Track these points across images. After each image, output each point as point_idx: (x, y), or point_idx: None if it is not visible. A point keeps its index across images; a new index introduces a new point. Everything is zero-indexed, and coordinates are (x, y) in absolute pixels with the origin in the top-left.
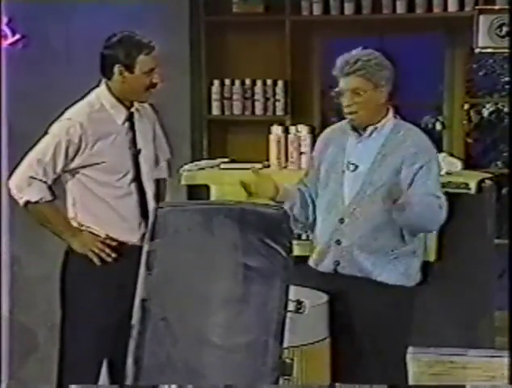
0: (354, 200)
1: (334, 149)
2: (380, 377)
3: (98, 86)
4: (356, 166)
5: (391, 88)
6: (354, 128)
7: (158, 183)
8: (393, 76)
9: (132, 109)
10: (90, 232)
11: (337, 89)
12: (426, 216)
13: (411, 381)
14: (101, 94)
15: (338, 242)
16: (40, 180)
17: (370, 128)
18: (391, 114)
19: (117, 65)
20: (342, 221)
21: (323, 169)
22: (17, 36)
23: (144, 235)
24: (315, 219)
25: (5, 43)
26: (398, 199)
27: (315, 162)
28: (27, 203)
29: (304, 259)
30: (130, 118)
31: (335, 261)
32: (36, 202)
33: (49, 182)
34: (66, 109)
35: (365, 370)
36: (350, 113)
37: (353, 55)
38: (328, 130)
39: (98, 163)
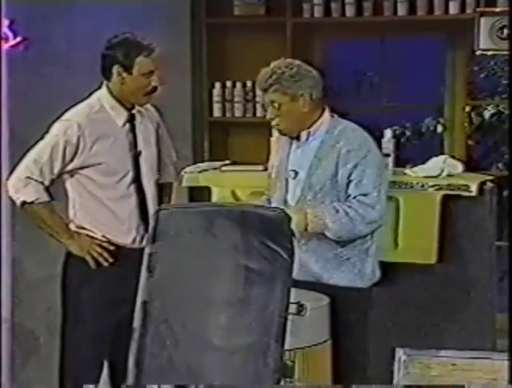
0: (297, 206)
1: (281, 155)
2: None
3: (99, 88)
4: (296, 173)
5: (318, 93)
6: (291, 137)
7: (164, 186)
8: (319, 81)
9: (134, 111)
10: (87, 235)
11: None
12: (344, 230)
13: (411, 382)
14: (101, 95)
15: None
16: (36, 181)
17: (304, 134)
18: (327, 114)
19: (116, 66)
20: None
21: (273, 175)
22: (18, 38)
23: (143, 237)
24: None
25: (6, 45)
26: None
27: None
28: (24, 203)
29: None
30: (131, 120)
31: None
32: (32, 202)
33: (46, 183)
34: (67, 110)
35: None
36: (275, 125)
37: (269, 69)
38: (278, 136)
39: (97, 164)
